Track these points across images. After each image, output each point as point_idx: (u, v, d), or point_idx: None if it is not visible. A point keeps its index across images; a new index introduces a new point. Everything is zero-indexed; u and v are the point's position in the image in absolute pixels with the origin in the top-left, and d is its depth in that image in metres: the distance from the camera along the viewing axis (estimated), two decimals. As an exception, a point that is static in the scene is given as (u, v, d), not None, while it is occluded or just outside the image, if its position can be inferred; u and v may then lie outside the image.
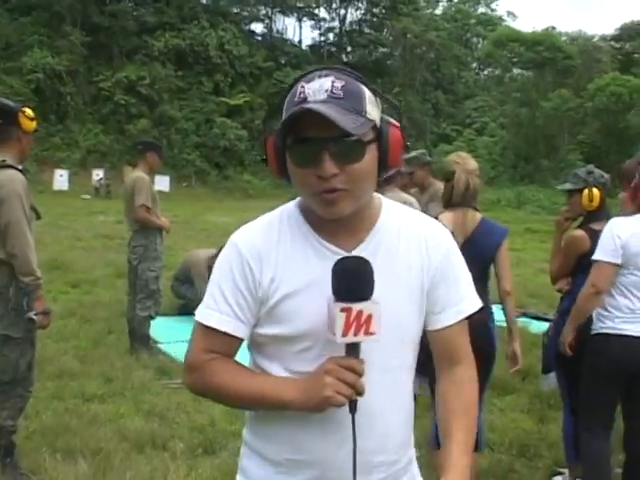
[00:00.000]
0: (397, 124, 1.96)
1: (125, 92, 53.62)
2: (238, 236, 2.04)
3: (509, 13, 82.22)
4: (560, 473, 5.44)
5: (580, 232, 5.11)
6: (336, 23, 72.47)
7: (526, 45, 57.85)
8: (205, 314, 2.00)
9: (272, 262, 1.97)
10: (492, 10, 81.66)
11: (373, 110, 1.89)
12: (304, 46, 71.36)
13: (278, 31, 70.71)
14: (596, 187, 5.16)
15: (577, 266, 5.10)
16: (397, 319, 1.97)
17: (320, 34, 72.82)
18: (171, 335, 9.14)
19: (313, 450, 1.98)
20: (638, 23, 67.79)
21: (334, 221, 1.94)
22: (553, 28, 67.35)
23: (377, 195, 2.08)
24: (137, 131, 50.50)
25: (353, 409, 1.84)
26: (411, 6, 69.35)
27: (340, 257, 1.86)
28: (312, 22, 72.20)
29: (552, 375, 5.55)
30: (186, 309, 10.39)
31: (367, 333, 1.80)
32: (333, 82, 1.85)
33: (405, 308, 2.01)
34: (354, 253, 1.94)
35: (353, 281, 1.81)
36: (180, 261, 11.55)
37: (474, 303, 2.12)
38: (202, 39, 57.80)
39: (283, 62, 65.05)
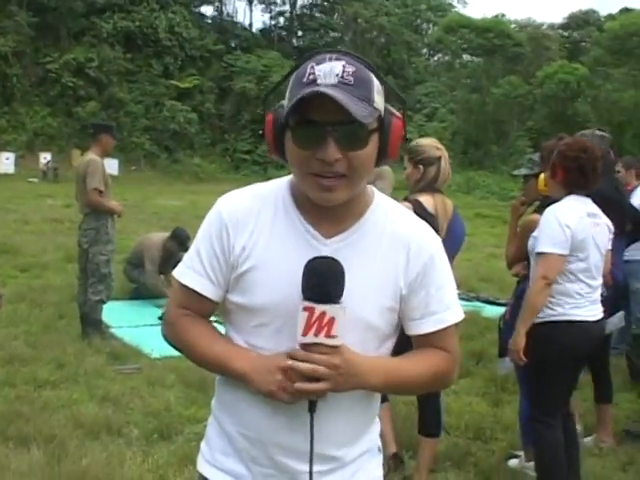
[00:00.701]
0: (400, 115, 1.97)
1: (73, 74, 52.95)
2: (223, 200, 2.07)
3: (459, 0, 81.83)
4: (516, 456, 5.46)
5: (537, 216, 5.07)
6: (287, 7, 72.31)
7: (476, 31, 58.09)
8: (181, 271, 2.08)
9: (248, 231, 1.99)
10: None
11: (380, 100, 1.89)
12: (255, 29, 71.17)
13: (229, 14, 70.41)
14: None
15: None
16: (362, 314, 1.95)
17: (271, 18, 72.74)
18: (124, 319, 9.06)
19: (261, 430, 1.99)
20: (585, 12, 68.57)
21: (318, 205, 1.92)
22: (503, 15, 67.55)
23: (372, 188, 2.08)
24: (86, 114, 49.99)
25: (312, 409, 1.87)
26: (362, -9, 69.35)
27: (312, 257, 1.84)
28: (263, 5, 71.94)
29: (508, 359, 5.57)
30: (138, 293, 10.28)
31: (328, 335, 1.79)
32: (344, 67, 1.82)
33: (372, 304, 1.98)
34: (334, 240, 1.96)
35: (322, 282, 1.81)
36: (132, 245, 11.45)
37: (456, 314, 2.08)
38: (151, 21, 57.26)
39: (233, 45, 64.77)
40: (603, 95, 53.83)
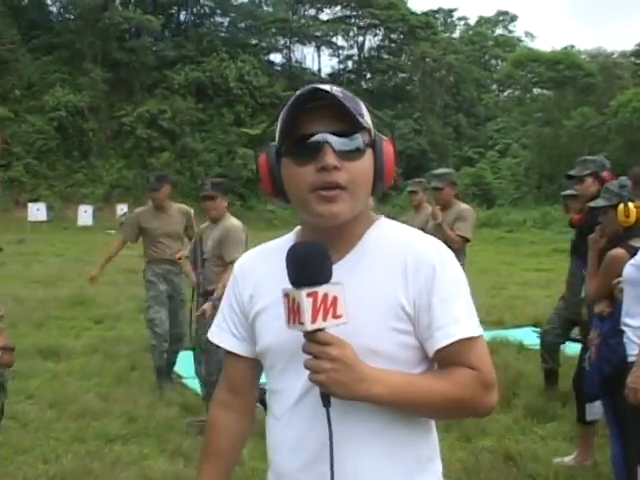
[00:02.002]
0: (389, 140, 1.97)
1: (146, 126, 53.82)
2: (240, 258, 2.19)
3: (527, 34, 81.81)
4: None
5: (620, 250, 4.81)
6: (354, 50, 72.70)
7: (545, 64, 57.61)
8: (211, 331, 2.17)
9: (253, 279, 2.06)
10: (510, 32, 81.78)
11: (368, 119, 1.93)
12: (323, 74, 71.47)
13: (297, 60, 71.00)
14: (631, 201, 4.91)
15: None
16: (364, 340, 1.84)
17: (339, 62, 73.16)
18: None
19: (284, 465, 1.99)
20: (658, 38, 67.49)
21: (321, 236, 1.91)
22: (572, 47, 67.13)
23: (371, 212, 2.05)
24: (160, 164, 50.63)
25: (325, 403, 1.77)
26: (429, 30, 69.44)
27: (291, 245, 1.82)
28: (330, 50, 72.49)
29: (597, 404, 5.26)
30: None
31: (335, 316, 1.73)
32: (332, 87, 1.89)
33: (373, 326, 1.87)
34: (336, 265, 1.86)
35: (313, 265, 1.76)
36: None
37: (469, 328, 1.88)
38: (221, 71, 58.02)
39: (303, 91, 65.15)
40: (680, 122, 52.78)
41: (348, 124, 1.85)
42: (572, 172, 6.85)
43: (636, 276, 4.29)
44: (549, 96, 61.27)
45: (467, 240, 7.87)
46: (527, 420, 7.04)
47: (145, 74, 57.21)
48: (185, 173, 53.03)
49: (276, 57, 71.25)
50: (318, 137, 1.83)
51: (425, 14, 72.80)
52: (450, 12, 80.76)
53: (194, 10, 66.23)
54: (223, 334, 2.12)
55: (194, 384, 8.28)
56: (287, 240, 2.08)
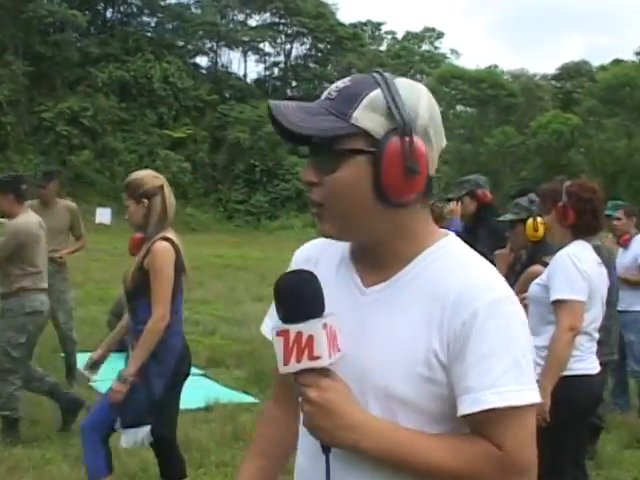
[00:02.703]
0: (401, 136, 1.58)
1: (67, 123, 52.91)
2: (299, 248, 1.97)
3: (452, 51, 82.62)
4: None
5: (539, 267, 4.81)
6: (281, 57, 72.78)
7: (469, 82, 58.62)
8: (264, 323, 1.95)
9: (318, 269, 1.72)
10: (436, 48, 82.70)
11: (369, 118, 1.58)
12: (249, 80, 71.45)
13: (223, 65, 70.71)
14: (540, 216, 4.95)
15: None
16: (382, 380, 1.60)
17: (265, 68, 73.10)
18: (107, 372, 8.71)
19: None
20: (577, 63, 69.12)
21: (361, 248, 1.73)
22: (496, 66, 68.28)
23: (437, 231, 1.74)
24: (79, 162, 49.88)
25: (325, 451, 1.57)
26: (356, 42, 69.96)
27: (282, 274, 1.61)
28: (257, 56, 72.36)
29: None
30: (122, 345, 9.95)
31: (311, 358, 1.50)
32: (340, 83, 1.66)
33: (397, 369, 1.59)
34: (374, 290, 1.68)
35: (291, 300, 1.55)
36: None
37: (507, 396, 1.51)
38: (146, 71, 57.48)
39: (227, 95, 64.92)
40: (596, 145, 54.20)
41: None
42: (450, 195, 6.94)
43: (541, 295, 4.28)
44: (471, 113, 62.24)
45: None
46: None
47: (68, 70, 56.26)
48: (105, 172, 52.31)
49: (202, 60, 71.05)
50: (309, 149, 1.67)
51: (353, 26, 73.40)
52: (378, 25, 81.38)
53: (121, 8, 65.54)
54: (269, 323, 1.89)
55: (104, 387, 8.06)
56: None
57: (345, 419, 1.53)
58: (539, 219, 4.94)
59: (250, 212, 56.09)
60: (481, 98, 58.43)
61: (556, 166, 52.23)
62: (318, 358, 1.51)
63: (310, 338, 1.50)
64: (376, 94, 1.59)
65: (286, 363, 1.52)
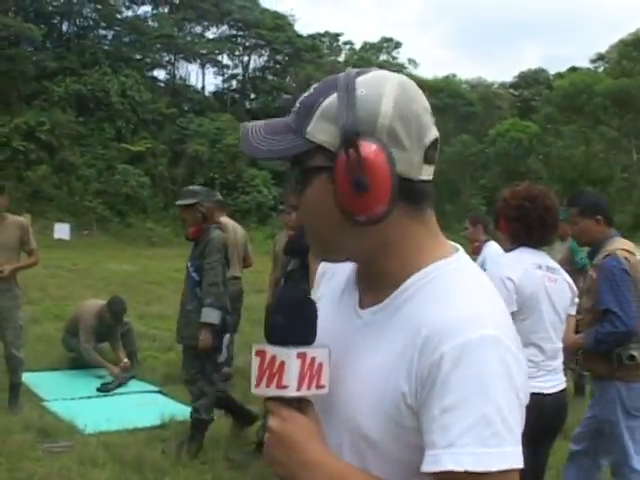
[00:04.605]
0: (345, 147, 1.37)
1: (24, 138, 52.23)
2: None
3: (410, 61, 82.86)
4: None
5: None
6: (239, 70, 72.69)
7: (428, 91, 58.44)
8: None
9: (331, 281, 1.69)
10: (394, 58, 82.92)
11: (323, 130, 1.41)
12: (207, 92, 71.22)
13: (181, 77, 70.45)
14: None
15: None
16: (352, 415, 1.44)
17: (223, 81, 72.96)
18: (59, 391, 8.51)
19: None
20: (535, 71, 69.81)
21: (360, 267, 1.58)
22: (454, 75, 68.61)
23: (441, 247, 1.52)
24: (37, 178, 49.32)
25: None
26: (314, 53, 70.07)
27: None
28: (215, 69, 72.28)
29: None
30: (76, 363, 9.74)
31: (279, 386, 1.37)
32: (306, 92, 1.49)
33: (368, 406, 1.42)
34: (368, 312, 1.51)
35: (278, 320, 1.41)
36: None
37: (467, 459, 1.27)
38: (103, 84, 57.00)
39: (186, 109, 64.65)
40: (555, 152, 54.68)
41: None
42: (180, 202, 7.07)
43: None
44: (430, 123, 62.56)
45: None
46: None
47: (24, 84, 55.65)
48: (63, 187, 51.71)
49: (160, 73, 70.68)
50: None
51: (311, 37, 73.49)
52: (336, 36, 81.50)
53: (77, 21, 64.97)
54: None
55: (56, 407, 7.87)
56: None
57: (301, 455, 1.38)
58: None
59: (210, 225, 55.82)
60: (439, 107, 58.69)
61: (515, 173, 52.56)
62: (285, 387, 1.38)
63: (282, 365, 1.37)
64: (330, 101, 1.41)
65: (257, 385, 1.40)
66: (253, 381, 1.40)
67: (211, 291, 6.49)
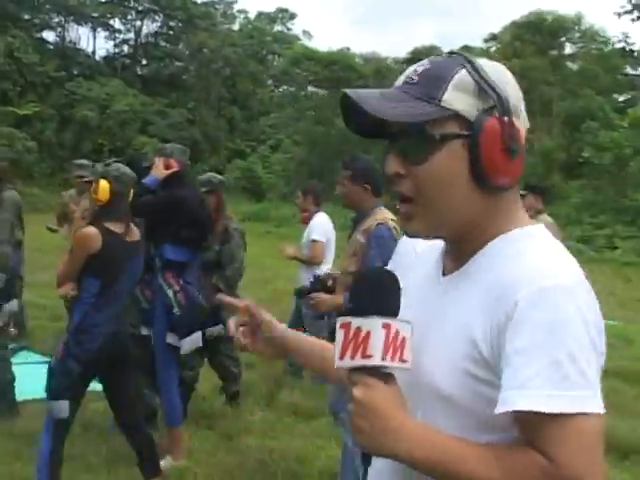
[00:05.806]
0: (500, 116, 1.52)
1: None
2: None
3: (305, 32, 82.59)
4: None
5: (92, 229, 4.90)
6: (131, 35, 71.15)
7: (321, 64, 58.81)
8: None
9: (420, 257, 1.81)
10: (288, 29, 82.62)
11: (460, 99, 1.53)
12: (98, 57, 69.54)
13: (71, 40, 68.54)
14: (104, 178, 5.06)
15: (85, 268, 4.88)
16: (429, 377, 1.54)
17: (115, 45, 71.24)
18: (32, 390, 8.13)
19: None
20: (428, 48, 70.58)
21: (452, 239, 1.66)
22: (348, 49, 68.74)
23: (523, 217, 1.65)
24: None
25: (364, 461, 1.51)
26: (208, 21, 69.19)
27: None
28: (107, 33, 70.54)
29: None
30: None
31: (364, 356, 1.43)
32: (418, 67, 1.60)
33: (442, 363, 1.52)
34: (446, 279, 1.65)
35: (363, 293, 1.48)
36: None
37: (539, 400, 1.34)
38: (-11, 45, 55.29)
39: (76, 72, 63.08)
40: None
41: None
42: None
43: None
44: (323, 95, 62.61)
45: None
46: (291, 418, 7.11)
47: None
48: (-56, 150, 50.06)
49: (49, 35, 68.59)
50: (388, 141, 1.60)
51: (205, 4, 72.52)
52: (230, 4, 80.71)
53: (-39, -22, 62.72)
54: None
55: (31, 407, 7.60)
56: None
57: (386, 422, 1.42)
58: (103, 181, 5.07)
59: (99, 192, 54.83)
60: (333, 80, 58.79)
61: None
62: (370, 357, 1.43)
63: (367, 335, 1.43)
64: (464, 74, 1.54)
65: (341, 358, 1.46)
66: (337, 354, 1.45)
67: None
